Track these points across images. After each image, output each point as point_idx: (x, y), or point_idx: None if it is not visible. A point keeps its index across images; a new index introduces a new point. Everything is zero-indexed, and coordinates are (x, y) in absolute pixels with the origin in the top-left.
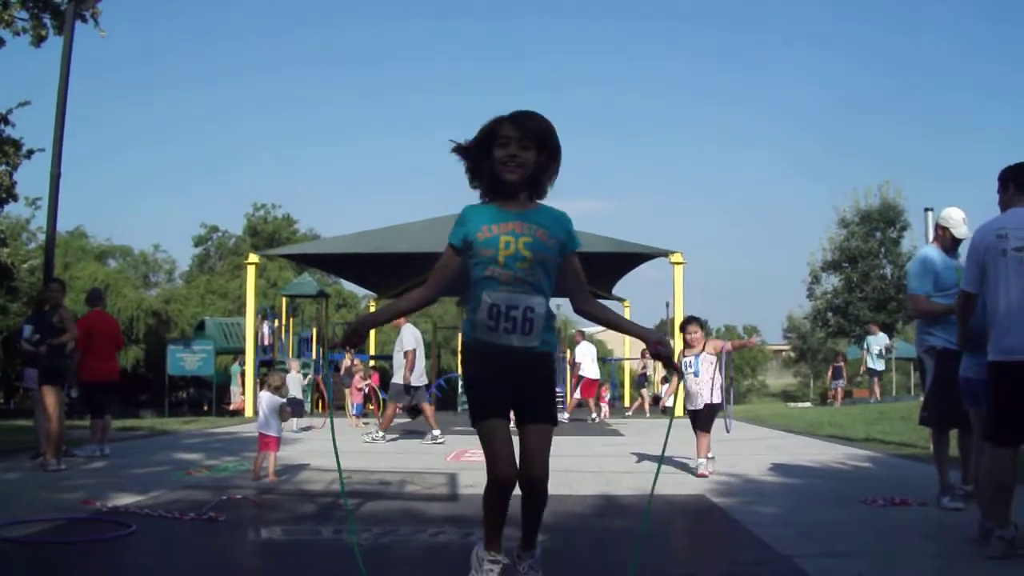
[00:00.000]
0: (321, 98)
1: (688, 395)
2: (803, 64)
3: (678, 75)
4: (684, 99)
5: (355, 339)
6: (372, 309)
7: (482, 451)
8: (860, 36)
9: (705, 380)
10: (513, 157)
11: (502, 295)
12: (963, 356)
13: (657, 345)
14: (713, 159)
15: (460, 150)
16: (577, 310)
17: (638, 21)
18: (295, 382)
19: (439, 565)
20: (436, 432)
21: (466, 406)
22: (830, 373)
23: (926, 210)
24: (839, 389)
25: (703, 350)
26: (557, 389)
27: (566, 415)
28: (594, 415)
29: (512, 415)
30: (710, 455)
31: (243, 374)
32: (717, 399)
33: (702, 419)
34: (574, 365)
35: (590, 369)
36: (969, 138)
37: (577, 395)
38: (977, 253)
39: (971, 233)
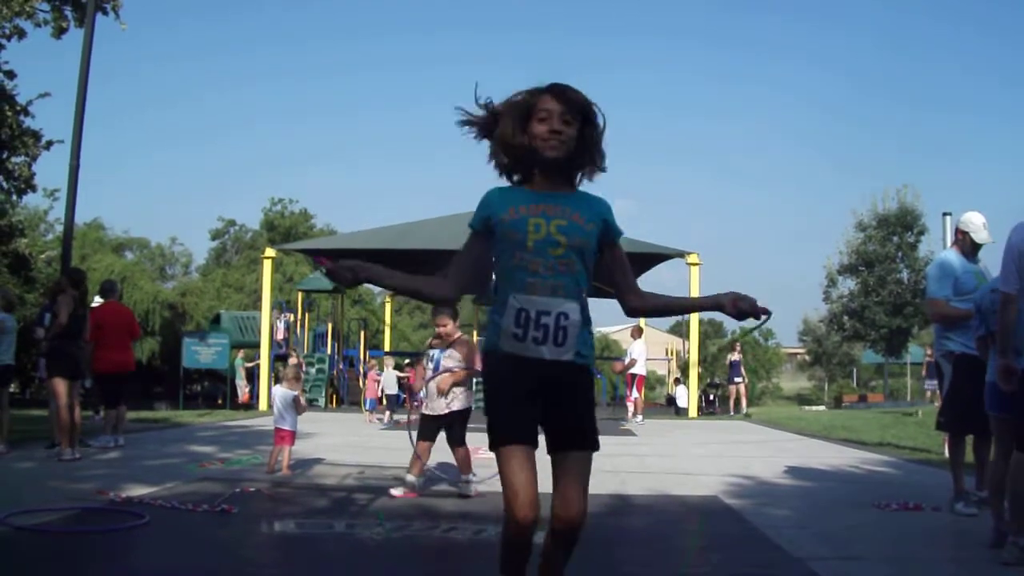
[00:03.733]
0: (340, 94)
1: (428, 393)
2: (831, 60)
3: (705, 62)
4: (709, 87)
5: (348, 275)
6: (388, 306)
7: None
8: (887, 31)
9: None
10: (556, 133)
11: (532, 299)
12: (990, 361)
13: (736, 304)
14: (730, 158)
15: (479, 121)
16: (629, 311)
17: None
18: (391, 379)
19: (452, 561)
20: None
21: (478, 405)
22: (924, 370)
23: (944, 215)
24: (936, 392)
25: (451, 346)
26: None
27: (639, 417)
28: (639, 417)
29: (544, 440)
30: (474, 475)
31: (246, 367)
32: (460, 404)
33: (450, 429)
34: (628, 363)
35: (643, 367)
36: (990, 142)
37: (635, 394)
38: (1013, 253)
39: (991, 239)
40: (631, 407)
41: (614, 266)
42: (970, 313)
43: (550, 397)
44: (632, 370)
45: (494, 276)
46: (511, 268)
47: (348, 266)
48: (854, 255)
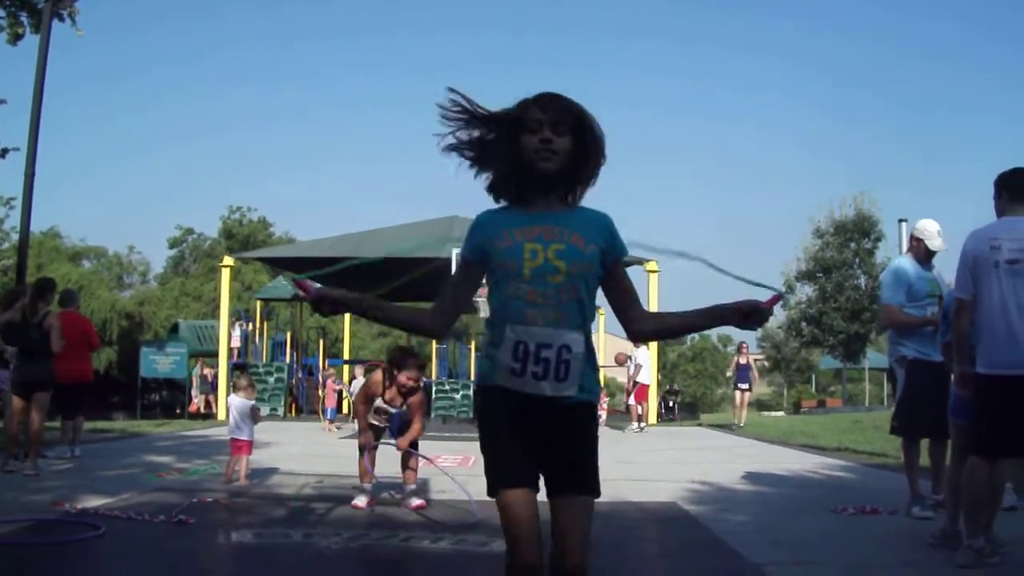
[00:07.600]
0: (298, 101)
1: (383, 414)
2: (802, 60)
3: (661, 59)
4: (663, 86)
5: (327, 303)
6: (347, 315)
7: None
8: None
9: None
10: (547, 143)
11: (531, 330)
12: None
13: (743, 316)
14: (688, 160)
15: (471, 119)
16: (633, 336)
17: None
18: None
19: (410, 570)
20: None
21: (437, 412)
22: None
23: (900, 221)
24: None
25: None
26: None
27: (643, 424)
28: (641, 424)
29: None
30: (414, 486)
31: (201, 376)
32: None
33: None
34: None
35: (647, 374)
36: (949, 149)
37: (632, 401)
38: (967, 260)
39: (945, 246)
40: (638, 412)
41: (616, 287)
42: (923, 320)
43: (550, 436)
44: (637, 379)
45: (488, 306)
46: (508, 298)
47: (331, 298)
48: (812, 261)
